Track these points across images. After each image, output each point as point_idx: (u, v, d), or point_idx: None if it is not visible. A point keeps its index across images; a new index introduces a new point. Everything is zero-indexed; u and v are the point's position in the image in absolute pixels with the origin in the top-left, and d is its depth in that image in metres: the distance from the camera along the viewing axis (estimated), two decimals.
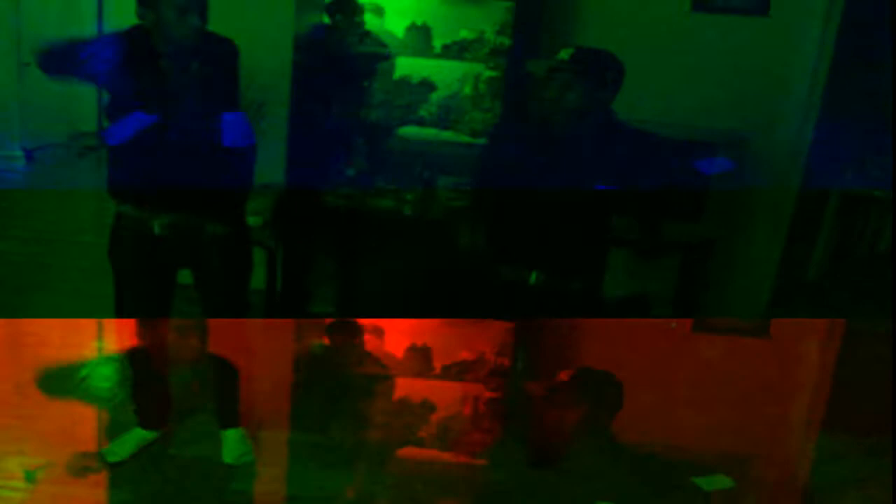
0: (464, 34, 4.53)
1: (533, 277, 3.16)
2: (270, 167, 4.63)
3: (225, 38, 3.12)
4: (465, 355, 4.45)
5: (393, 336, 4.50)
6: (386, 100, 4.60)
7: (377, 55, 4.53)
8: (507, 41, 4.40)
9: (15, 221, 5.97)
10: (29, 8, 7.61)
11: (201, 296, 3.24)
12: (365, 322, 4.51)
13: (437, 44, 4.53)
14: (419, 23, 4.53)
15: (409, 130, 4.66)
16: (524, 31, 4.29)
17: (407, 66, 4.68)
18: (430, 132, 4.63)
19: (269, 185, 4.58)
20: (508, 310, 3.34)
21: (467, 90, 4.70)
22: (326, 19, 4.45)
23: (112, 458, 3.27)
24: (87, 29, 8.49)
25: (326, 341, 4.46)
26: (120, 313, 3.56)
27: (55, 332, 4.28)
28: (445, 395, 4.47)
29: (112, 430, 3.45)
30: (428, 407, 4.46)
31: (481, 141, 4.53)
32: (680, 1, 4.68)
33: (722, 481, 3.51)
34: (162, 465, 3.32)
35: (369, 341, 4.49)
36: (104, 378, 3.94)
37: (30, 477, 3.12)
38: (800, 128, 4.83)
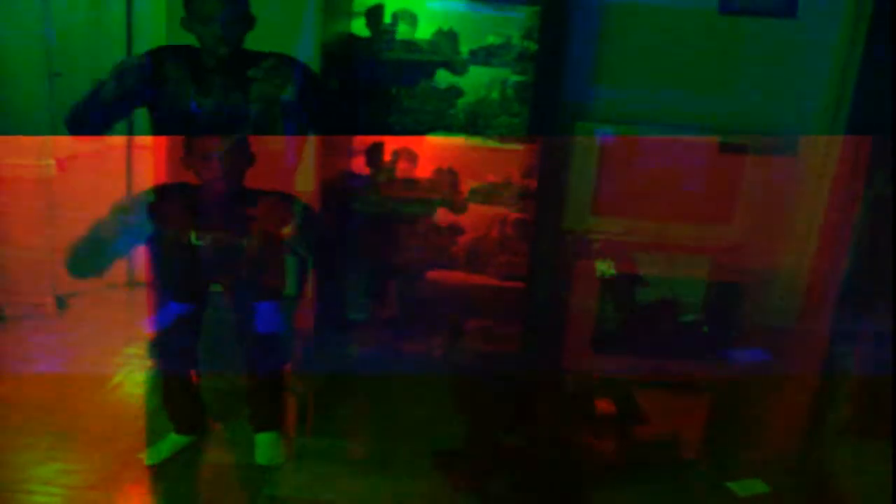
0: (490, 39, 4.52)
1: None
2: (299, 175, 4.67)
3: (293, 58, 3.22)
4: (491, 178, 4.58)
5: (423, 162, 4.67)
6: (413, 106, 4.60)
7: (404, 62, 4.54)
8: (533, 46, 4.39)
9: None
10: (58, 17, 7.67)
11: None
12: (399, 147, 4.63)
13: (465, 49, 4.53)
14: (446, 28, 4.53)
15: (437, 136, 4.67)
16: (551, 36, 4.29)
17: (434, 72, 4.68)
18: (458, 138, 4.63)
19: (299, 192, 4.60)
20: None
21: (495, 95, 4.70)
22: (354, 27, 4.46)
23: (149, 461, 3.30)
24: (116, 32, 8.56)
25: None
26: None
27: (88, 339, 4.32)
28: (473, 218, 4.69)
29: (148, 436, 3.48)
30: (456, 230, 4.68)
31: (509, 146, 4.55)
32: (707, 3, 4.67)
33: (756, 486, 3.50)
34: (196, 470, 3.35)
35: (402, 167, 4.64)
36: (137, 384, 3.97)
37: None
38: (829, 130, 4.80)
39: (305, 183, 4.51)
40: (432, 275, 4.71)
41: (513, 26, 4.52)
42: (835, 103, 4.75)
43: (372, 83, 4.60)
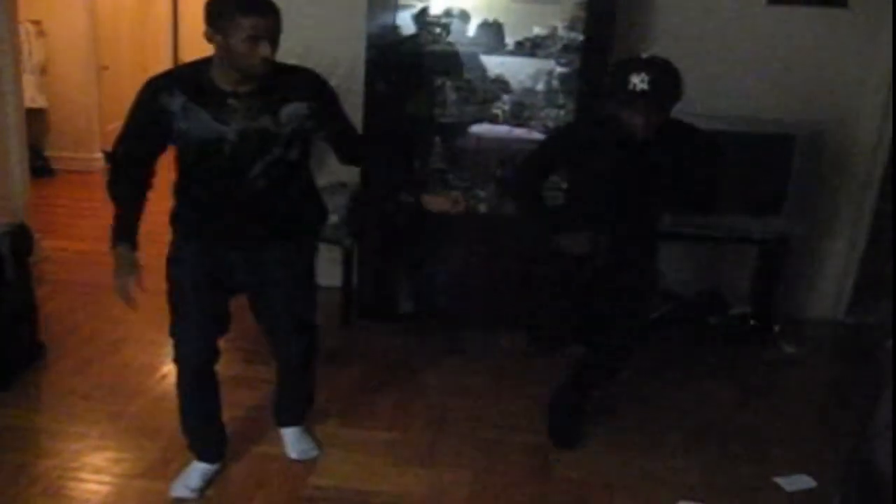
0: (536, 31, 4.51)
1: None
2: (345, 166, 4.69)
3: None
4: (537, 31, 4.54)
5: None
6: (459, 97, 4.60)
7: (450, 53, 4.54)
8: (579, 37, 4.37)
9: None
10: (103, 16, 7.77)
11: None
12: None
13: (510, 41, 4.52)
14: (491, 20, 4.52)
15: (482, 128, 4.66)
16: (596, 26, 4.26)
17: (480, 63, 4.67)
18: (503, 129, 4.62)
19: (344, 183, 4.63)
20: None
21: (540, 87, 4.68)
22: (400, 19, 4.46)
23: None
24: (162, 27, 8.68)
25: None
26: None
27: (135, 330, 4.38)
28: (518, 72, 4.67)
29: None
30: (501, 83, 4.67)
31: None
32: None
33: (803, 481, 3.47)
34: (242, 459, 3.38)
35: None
36: None
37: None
38: (880, 121, 4.74)
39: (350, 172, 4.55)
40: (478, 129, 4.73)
41: (557, 17, 4.50)
42: (885, 93, 4.69)
43: (417, 75, 4.60)
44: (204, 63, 2.75)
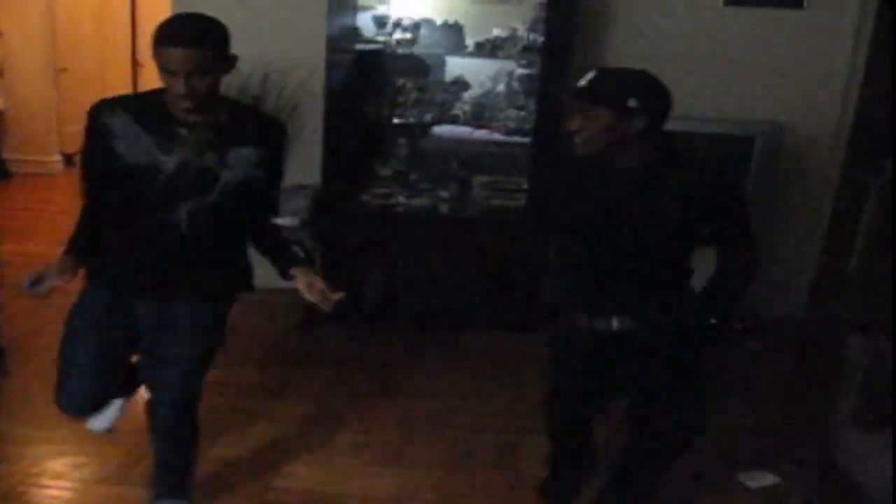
0: (496, 32, 4.52)
1: None
2: (306, 168, 4.69)
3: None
4: (497, 32, 4.53)
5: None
6: (420, 98, 4.61)
7: (410, 55, 4.55)
8: (539, 38, 4.39)
9: None
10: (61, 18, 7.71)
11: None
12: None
13: (470, 42, 4.53)
14: (451, 21, 4.53)
15: (443, 129, 4.67)
16: (556, 28, 4.29)
17: (440, 64, 4.68)
18: (464, 130, 4.64)
19: (305, 185, 4.62)
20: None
21: (501, 88, 4.71)
22: (360, 21, 4.46)
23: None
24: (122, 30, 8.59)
25: None
26: None
27: None
28: (479, 73, 4.65)
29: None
30: (461, 84, 4.65)
31: (515, 139, 4.55)
32: None
33: (767, 478, 3.51)
34: (207, 461, 3.36)
35: None
36: None
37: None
38: (838, 120, 4.80)
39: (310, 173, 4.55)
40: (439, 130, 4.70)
41: (517, 19, 4.52)
42: (843, 92, 4.76)
43: (377, 77, 4.61)
44: (161, 89, 2.49)
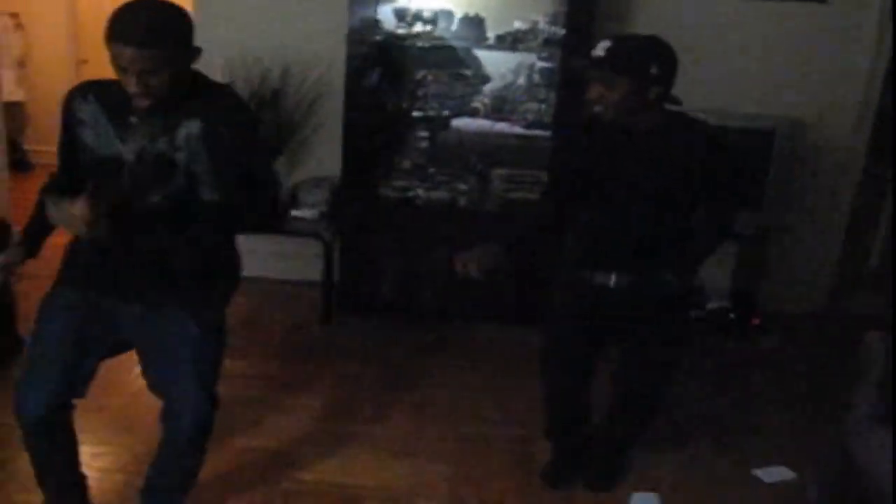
0: (517, 25, 4.51)
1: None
2: (326, 161, 4.69)
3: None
4: (518, 25, 4.50)
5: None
6: (440, 91, 4.60)
7: (430, 47, 4.54)
8: (560, 31, 4.38)
9: None
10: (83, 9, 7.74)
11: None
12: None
13: (491, 35, 4.52)
14: (472, 14, 4.52)
15: (463, 122, 4.66)
16: (577, 20, 4.27)
17: (460, 57, 4.67)
18: (484, 123, 4.62)
19: (325, 177, 4.63)
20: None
21: (521, 81, 4.69)
22: (381, 13, 4.45)
23: None
24: None
25: None
26: None
27: None
28: (499, 66, 4.61)
29: None
30: (481, 77, 4.63)
31: (536, 132, 4.54)
32: None
33: (782, 472, 3.49)
34: (222, 451, 3.36)
35: None
36: None
37: None
38: (859, 116, 4.77)
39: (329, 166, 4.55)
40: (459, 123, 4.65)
41: (539, 10, 4.50)
42: (865, 88, 4.72)
43: (398, 69, 4.61)
44: None
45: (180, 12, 2.24)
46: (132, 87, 2.18)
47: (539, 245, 3.21)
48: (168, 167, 2.33)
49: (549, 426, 3.43)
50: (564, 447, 3.41)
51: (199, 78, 2.39)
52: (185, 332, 2.52)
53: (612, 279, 2.96)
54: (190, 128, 2.30)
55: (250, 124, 2.54)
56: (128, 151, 2.33)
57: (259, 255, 4.56)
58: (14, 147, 6.64)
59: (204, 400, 2.58)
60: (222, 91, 2.48)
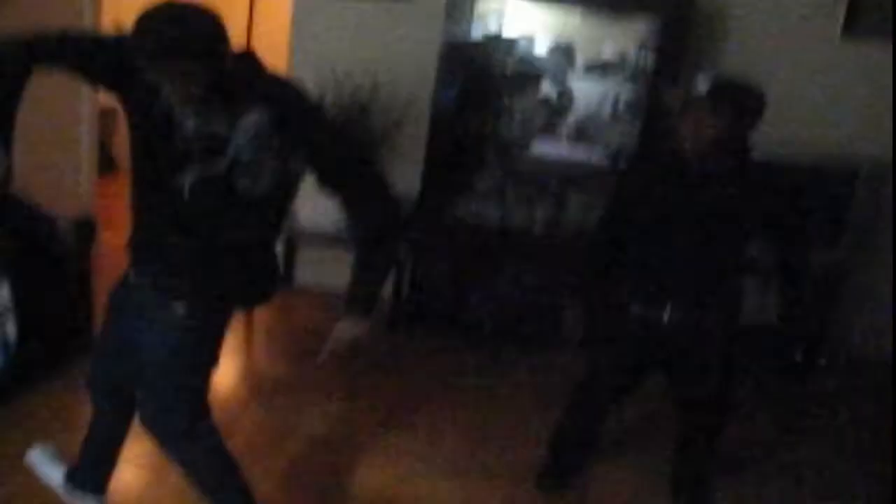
0: (606, 54, 4.49)
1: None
2: (401, 179, 4.71)
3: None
4: (607, 55, 4.51)
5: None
6: (525, 118, 4.60)
7: (520, 73, 4.55)
8: (649, 63, 4.34)
9: None
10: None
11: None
12: None
13: (580, 63, 4.51)
14: (563, 41, 4.51)
15: (545, 147, 4.65)
16: (667, 54, 4.24)
17: (548, 84, 4.66)
18: (565, 149, 4.61)
19: (403, 197, 4.65)
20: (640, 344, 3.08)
21: (607, 110, 4.66)
22: (474, 32, 4.47)
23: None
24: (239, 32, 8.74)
25: None
26: None
27: None
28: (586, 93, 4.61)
29: None
30: (567, 103, 4.64)
31: (617, 162, 4.51)
32: (830, 26, 4.57)
33: None
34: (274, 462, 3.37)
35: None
36: None
37: None
38: None
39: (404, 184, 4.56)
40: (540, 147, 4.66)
41: (630, 38, 4.46)
42: None
43: (484, 91, 4.62)
44: None
45: (203, 16, 2.01)
46: (169, 93, 2.05)
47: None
48: (214, 146, 2.12)
49: (558, 442, 3.45)
50: (564, 461, 3.45)
51: (255, 68, 2.21)
52: (161, 333, 2.41)
53: (667, 313, 2.92)
54: (254, 117, 2.09)
55: (317, 110, 2.40)
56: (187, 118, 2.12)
57: (327, 266, 4.61)
58: (101, 148, 6.82)
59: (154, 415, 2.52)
60: (280, 81, 2.27)
